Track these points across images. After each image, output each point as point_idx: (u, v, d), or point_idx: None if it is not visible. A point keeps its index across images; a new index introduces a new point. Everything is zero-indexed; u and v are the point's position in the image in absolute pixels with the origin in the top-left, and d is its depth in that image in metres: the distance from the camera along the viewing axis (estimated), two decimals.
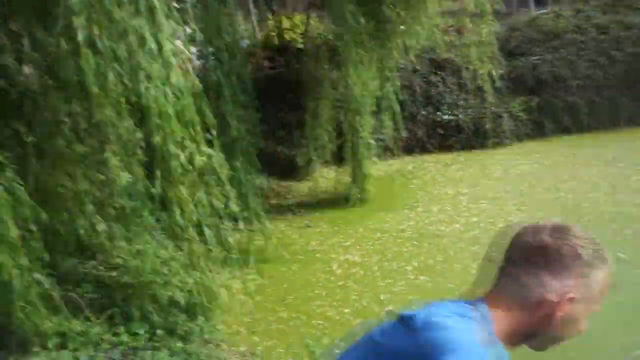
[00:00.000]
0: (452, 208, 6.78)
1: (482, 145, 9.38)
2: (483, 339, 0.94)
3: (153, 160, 3.55)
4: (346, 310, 4.63)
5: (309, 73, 9.14)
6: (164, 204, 3.75)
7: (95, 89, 2.92)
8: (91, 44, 2.80)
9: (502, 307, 0.99)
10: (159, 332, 3.33)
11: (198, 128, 3.39)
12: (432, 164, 8.99)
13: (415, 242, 5.91)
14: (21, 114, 3.66)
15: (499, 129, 9.44)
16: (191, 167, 3.36)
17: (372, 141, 7.33)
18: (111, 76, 2.88)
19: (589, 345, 3.62)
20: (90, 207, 3.66)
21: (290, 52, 10.48)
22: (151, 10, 2.97)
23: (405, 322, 0.97)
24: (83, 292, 3.62)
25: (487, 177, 7.81)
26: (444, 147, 9.60)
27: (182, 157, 3.24)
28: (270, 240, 5.73)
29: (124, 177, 3.05)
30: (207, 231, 3.75)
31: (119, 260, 4.10)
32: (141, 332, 3.25)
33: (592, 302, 0.99)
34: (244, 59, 6.51)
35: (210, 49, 5.91)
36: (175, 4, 3.65)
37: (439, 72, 10.15)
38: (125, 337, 3.18)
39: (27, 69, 3.86)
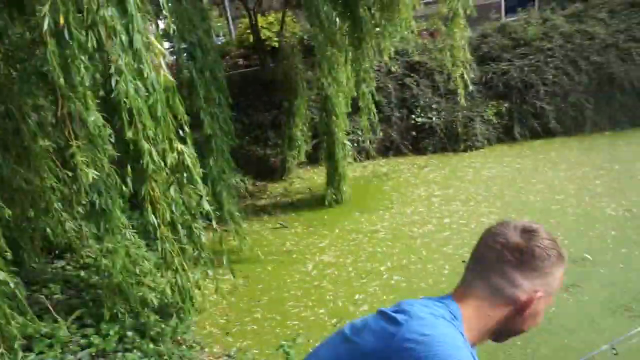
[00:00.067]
0: (425, 209, 6.86)
1: (455, 148, 9.54)
2: (464, 341, 0.97)
3: (124, 157, 3.46)
4: (321, 311, 4.62)
5: (285, 72, 9.11)
6: (136, 201, 3.66)
7: (60, 81, 2.81)
8: (57, 33, 2.69)
9: (472, 306, 1.02)
10: (129, 333, 3.23)
11: (171, 124, 3.31)
12: (406, 166, 9.08)
13: (389, 243, 5.95)
14: None
15: (471, 132, 9.62)
16: (164, 164, 3.27)
17: (347, 142, 7.35)
18: (79, 68, 2.77)
19: (557, 343, 3.73)
20: (57, 205, 3.53)
21: (266, 51, 10.43)
22: (122, 0, 2.88)
23: (386, 322, 0.98)
24: (50, 293, 3.48)
25: (459, 179, 7.94)
26: (418, 149, 9.72)
27: (155, 154, 3.15)
28: (245, 241, 5.66)
29: (90, 174, 2.93)
30: (180, 230, 3.67)
31: (88, 260, 3.97)
32: (111, 333, 3.15)
33: (552, 296, 1.04)
34: (217, 56, 6.41)
35: (183, 45, 5.80)
36: None
37: (413, 75, 10.29)
38: (94, 339, 3.06)
39: None
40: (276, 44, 10.22)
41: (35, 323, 3.04)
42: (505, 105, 9.96)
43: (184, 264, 3.56)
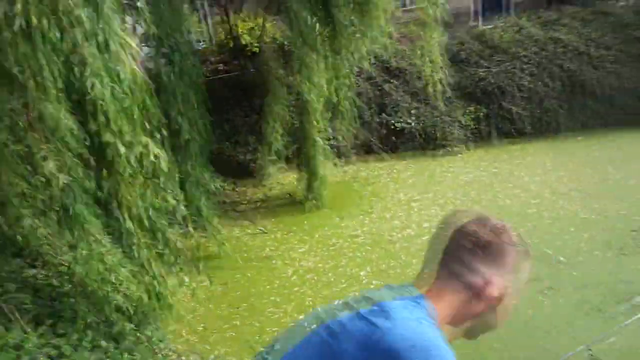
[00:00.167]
0: (404, 214, 6.90)
1: (433, 153, 9.65)
2: (446, 344, 0.97)
3: (99, 160, 3.38)
4: (300, 317, 4.58)
5: (264, 78, 9.08)
6: (111, 207, 3.58)
7: (31, 83, 2.73)
8: (30, 33, 2.62)
9: (446, 303, 1.03)
10: (103, 343, 3.14)
11: (147, 127, 3.25)
12: (385, 170, 9.13)
13: (369, 248, 5.97)
14: None
15: (449, 137, 9.75)
16: (140, 168, 3.21)
17: (327, 147, 7.35)
18: (52, 69, 2.70)
19: (534, 345, 3.78)
20: (29, 211, 3.42)
21: (246, 57, 10.39)
22: (98, 1, 2.82)
23: (366, 326, 0.97)
24: (19, 302, 3.36)
25: (437, 183, 8.02)
26: (397, 153, 9.80)
27: (131, 157, 3.09)
28: (224, 247, 5.61)
29: (62, 178, 2.85)
30: (157, 235, 3.60)
31: (62, 268, 3.86)
32: (84, 343, 3.05)
33: (519, 291, 1.07)
34: (196, 61, 6.36)
35: (162, 50, 5.74)
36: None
37: (392, 81, 10.39)
38: (65, 350, 2.96)
39: None
40: (256, 49, 10.19)
41: (3, 333, 2.93)
42: (482, 110, 10.13)
43: (162, 270, 3.50)
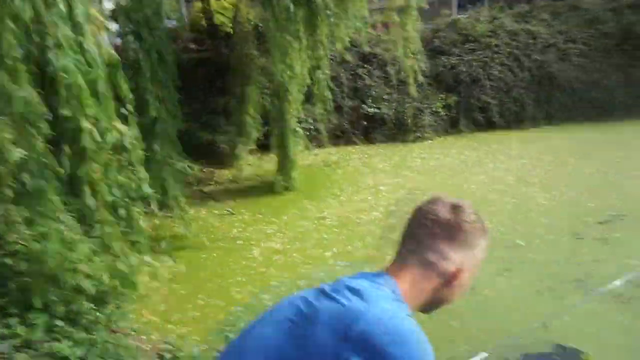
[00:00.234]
0: (372, 197, 7.00)
1: (404, 139, 9.77)
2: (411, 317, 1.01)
3: (62, 136, 3.30)
4: (266, 297, 4.62)
5: (237, 58, 8.95)
6: (73, 183, 3.51)
7: None
8: None
9: (408, 281, 1.06)
10: (59, 322, 3.08)
11: (111, 102, 3.18)
12: (356, 155, 9.20)
13: (336, 230, 6.04)
14: None
15: (420, 123, 9.89)
16: (104, 144, 3.15)
17: (299, 129, 7.35)
18: (9, 38, 2.61)
19: (492, 323, 3.92)
20: None
21: (219, 36, 10.19)
22: None
23: (341, 309, 0.98)
24: None
25: (406, 169, 8.15)
26: (368, 139, 9.88)
27: (95, 133, 3.02)
28: (190, 227, 5.57)
29: (16, 153, 2.77)
30: (120, 214, 3.55)
31: (18, 247, 3.76)
32: (38, 322, 2.99)
33: (478, 268, 1.11)
34: (166, 38, 6.20)
35: (131, 25, 5.58)
36: None
37: (366, 66, 10.41)
38: (19, 329, 2.90)
39: None
40: (230, 30, 10.01)
41: None
42: (453, 98, 10.30)
43: (124, 249, 3.46)
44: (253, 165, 8.80)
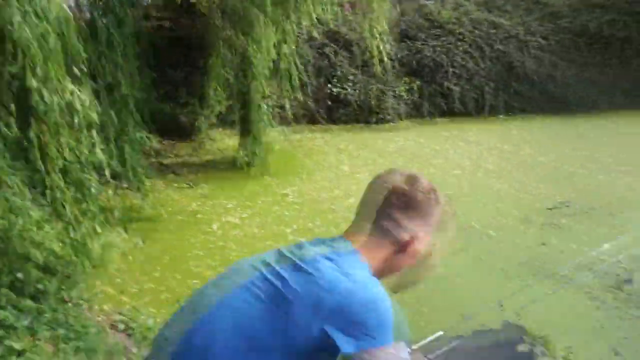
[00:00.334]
0: (334, 177, 7.03)
1: (367, 121, 9.82)
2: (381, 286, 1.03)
3: (21, 106, 3.08)
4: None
5: (200, 29, 8.64)
6: (20, 146, 3.30)
7: None
8: None
9: (373, 254, 1.08)
10: (3, 290, 2.92)
11: (62, 60, 2.98)
12: (319, 134, 9.19)
13: (297, 207, 6.04)
14: None
15: (383, 106, 9.96)
16: (67, 117, 2.96)
17: (264, 105, 7.22)
18: None
19: (446, 301, 4.06)
20: None
21: (192, 13, 9.77)
22: None
23: (313, 279, 0.98)
24: None
25: (368, 150, 8.22)
26: (332, 119, 9.86)
27: (44, 92, 2.84)
28: (148, 199, 5.40)
29: None
30: (83, 190, 3.38)
31: None
32: None
33: (444, 249, 1.16)
34: (138, 11, 5.88)
35: None
36: None
37: (332, 45, 10.32)
38: None
39: None
40: (204, 8, 9.61)
41: None
42: (417, 82, 10.41)
43: (78, 215, 3.30)
44: (215, 140, 8.61)
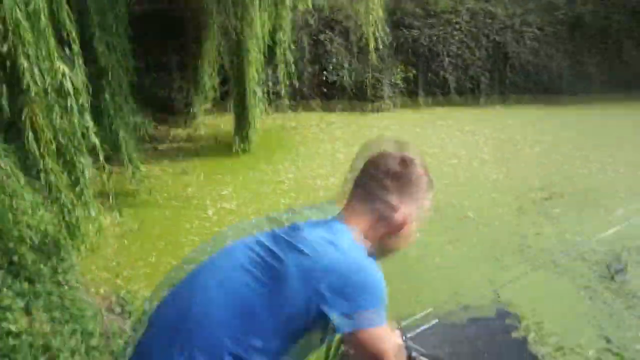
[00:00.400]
0: (329, 164, 7.02)
1: (363, 108, 9.79)
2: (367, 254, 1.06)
3: (2, 75, 3.02)
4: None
5: (195, 13, 8.51)
6: (13, 128, 3.25)
7: None
8: None
9: (357, 227, 1.10)
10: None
11: (54, 40, 2.93)
12: (314, 121, 9.15)
13: (293, 194, 6.02)
14: None
15: (379, 94, 9.92)
16: (46, 86, 2.90)
17: (259, 91, 7.16)
18: None
19: (441, 289, 4.09)
20: None
21: None
22: None
23: (310, 255, 1.00)
24: None
25: (363, 137, 8.15)
26: (327, 106, 9.82)
27: (37, 74, 2.78)
28: (143, 184, 5.36)
29: None
30: (67, 163, 3.34)
31: None
32: None
33: (422, 219, 1.17)
34: None
35: None
36: None
37: (328, 32, 10.23)
38: None
39: None
40: None
41: None
42: (413, 71, 10.37)
43: (72, 199, 3.27)
44: (209, 125, 8.54)
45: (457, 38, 10.69)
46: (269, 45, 6.97)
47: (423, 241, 4.78)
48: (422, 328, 1.70)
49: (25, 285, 2.85)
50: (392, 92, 10.05)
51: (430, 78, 10.42)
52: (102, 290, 3.53)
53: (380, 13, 7.81)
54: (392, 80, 10.13)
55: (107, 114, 5.01)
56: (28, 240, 3.16)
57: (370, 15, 7.77)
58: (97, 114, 4.53)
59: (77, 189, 3.48)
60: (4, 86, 3.01)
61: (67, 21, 3.13)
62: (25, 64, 2.87)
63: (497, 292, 2.65)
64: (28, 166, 3.49)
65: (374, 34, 7.67)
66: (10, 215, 3.14)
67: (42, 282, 2.94)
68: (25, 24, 2.80)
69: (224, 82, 8.56)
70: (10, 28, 2.79)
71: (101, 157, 3.75)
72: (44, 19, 2.84)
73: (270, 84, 8.88)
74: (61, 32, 3.20)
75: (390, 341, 1.02)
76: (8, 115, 3.13)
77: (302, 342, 1.01)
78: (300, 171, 6.77)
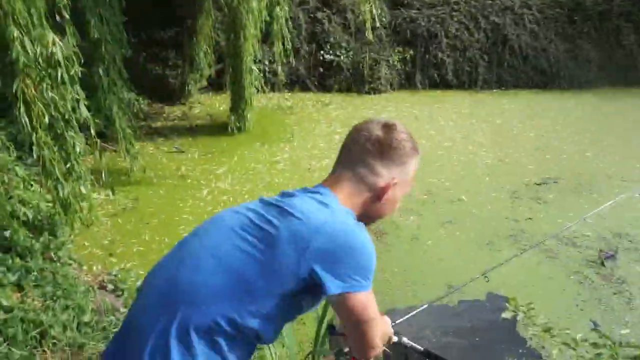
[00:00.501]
0: (325, 145, 6.99)
1: (359, 89, 9.71)
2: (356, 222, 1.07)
3: None
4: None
5: None
6: (5, 101, 3.19)
7: None
8: None
9: (343, 194, 1.11)
10: None
11: (44, 9, 2.85)
12: (310, 101, 9.08)
13: (287, 174, 6.01)
14: None
15: (376, 75, 9.82)
16: (38, 56, 2.84)
17: (256, 69, 7.06)
18: None
19: (433, 272, 4.12)
20: None
21: None
22: None
23: (292, 218, 1.01)
24: None
25: (359, 118, 8.05)
26: (324, 86, 9.73)
27: (27, 43, 2.71)
28: (136, 161, 5.31)
29: None
30: (58, 139, 3.29)
31: None
32: None
33: (407, 186, 1.19)
34: None
35: None
36: None
37: (326, 10, 10.06)
38: None
39: None
40: None
41: None
42: (410, 52, 10.26)
43: (65, 174, 3.23)
44: (204, 103, 8.45)
45: (455, 19, 10.56)
46: (265, 21, 6.84)
47: (415, 224, 4.81)
48: (413, 311, 1.71)
49: (17, 260, 2.84)
50: (389, 73, 9.96)
51: (428, 60, 10.32)
52: (95, 268, 3.53)
53: None
54: (390, 62, 10.02)
55: (101, 88, 4.92)
56: (21, 216, 3.14)
57: None
58: (90, 88, 4.45)
59: (68, 164, 3.43)
60: None
61: None
62: (16, 33, 2.80)
63: (487, 274, 2.65)
64: (19, 140, 3.44)
65: (370, 11, 7.54)
66: (1, 189, 3.11)
67: (34, 258, 2.93)
68: None
69: (220, 59, 8.44)
70: None
71: (93, 132, 3.69)
72: None
73: (266, 62, 8.77)
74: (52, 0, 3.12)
75: (374, 308, 1.04)
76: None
77: (294, 305, 1.03)
78: (295, 151, 6.74)
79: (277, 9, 6.76)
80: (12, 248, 2.95)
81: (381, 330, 1.13)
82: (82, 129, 3.66)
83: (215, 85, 8.78)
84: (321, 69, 9.78)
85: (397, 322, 1.39)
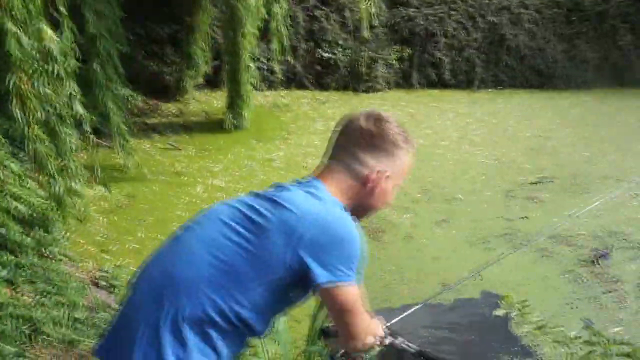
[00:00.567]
0: (320, 143, 6.97)
1: (356, 88, 9.71)
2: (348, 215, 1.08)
3: None
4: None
5: None
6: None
7: None
8: None
9: (333, 184, 1.12)
10: None
11: (42, 5, 2.82)
12: (306, 99, 9.07)
13: (282, 172, 6.00)
14: None
15: (373, 74, 9.81)
16: (33, 51, 2.82)
17: (253, 66, 7.04)
18: None
19: (427, 269, 4.12)
20: None
21: None
22: None
23: (284, 210, 1.02)
24: None
25: None
26: (320, 84, 9.71)
27: (22, 37, 2.69)
28: (131, 157, 5.28)
29: None
30: (53, 134, 3.27)
31: None
32: None
33: (399, 178, 1.18)
34: None
35: None
36: None
37: (324, 8, 10.04)
38: None
39: None
40: None
41: None
42: (408, 51, 10.26)
43: (59, 169, 3.21)
44: (200, 100, 8.42)
45: (453, 18, 10.57)
46: (263, 19, 6.82)
47: (411, 222, 4.81)
48: (408, 310, 1.71)
49: (9, 256, 2.81)
50: (386, 72, 9.96)
51: (425, 59, 10.33)
52: (88, 264, 3.51)
53: None
54: (387, 60, 10.02)
55: (96, 83, 4.89)
56: (12, 211, 3.11)
57: None
58: (86, 83, 4.42)
59: (62, 159, 3.41)
60: None
61: None
62: (12, 27, 2.77)
63: (480, 273, 2.66)
64: (12, 135, 3.41)
65: (368, 10, 7.53)
66: None
67: (26, 254, 2.91)
68: None
69: (217, 56, 8.41)
70: None
71: (88, 128, 3.67)
72: None
73: (263, 60, 8.75)
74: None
75: (358, 300, 1.04)
76: None
77: (284, 296, 1.04)
78: (291, 149, 6.74)
79: (275, 6, 6.74)
80: (3, 244, 2.92)
81: (368, 326, 1.12)
82: (77, 124, 3.64)
83: (211, 82, 8.74)
84: (318, 67, 9.76)
85: (392, 321, 1.38)
